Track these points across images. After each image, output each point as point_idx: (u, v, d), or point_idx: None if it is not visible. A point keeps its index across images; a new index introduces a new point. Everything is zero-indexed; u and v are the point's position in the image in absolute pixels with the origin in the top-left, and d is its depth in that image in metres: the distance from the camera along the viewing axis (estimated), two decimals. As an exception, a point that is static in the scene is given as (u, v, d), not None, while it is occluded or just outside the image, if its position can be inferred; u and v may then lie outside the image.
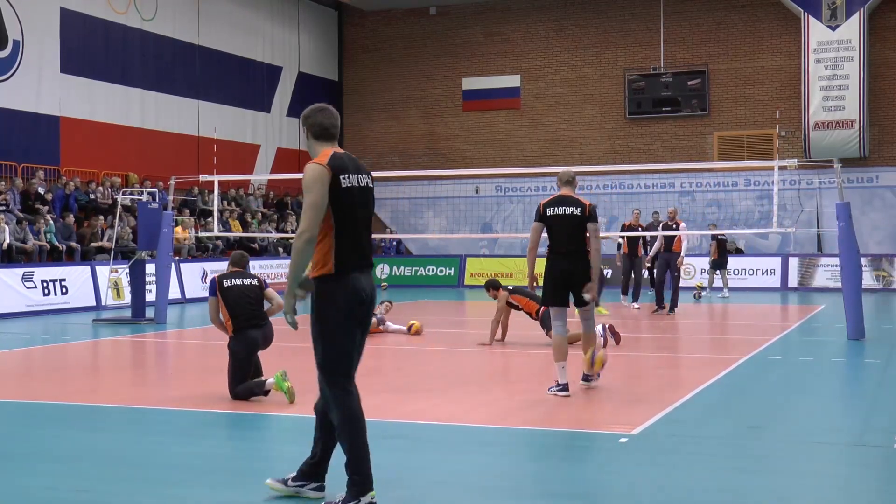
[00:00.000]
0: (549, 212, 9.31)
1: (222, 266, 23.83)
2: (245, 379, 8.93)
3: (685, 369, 11.66)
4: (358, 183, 5.41)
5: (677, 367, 11.84)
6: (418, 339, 14.46)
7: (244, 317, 8.92)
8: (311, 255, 5.30)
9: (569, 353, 9.28)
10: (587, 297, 9.17)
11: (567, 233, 9.19)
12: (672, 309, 18.30)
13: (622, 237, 19.64)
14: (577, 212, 9.20)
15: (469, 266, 29.93)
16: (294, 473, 5.62)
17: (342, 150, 5.50)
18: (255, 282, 9.16)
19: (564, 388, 9.08)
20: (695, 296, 23.23)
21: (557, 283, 9.25)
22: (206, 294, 24.16)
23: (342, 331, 5.31)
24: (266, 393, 8.78)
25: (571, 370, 9.39)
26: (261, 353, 9.18)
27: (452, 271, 29.91)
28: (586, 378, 9.57)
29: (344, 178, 5.33)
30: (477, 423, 7.95)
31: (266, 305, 9.17)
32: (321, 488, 5.59)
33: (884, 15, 29.09)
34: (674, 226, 18.49)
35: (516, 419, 8.14)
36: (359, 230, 5.40)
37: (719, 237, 23.35)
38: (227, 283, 9.03)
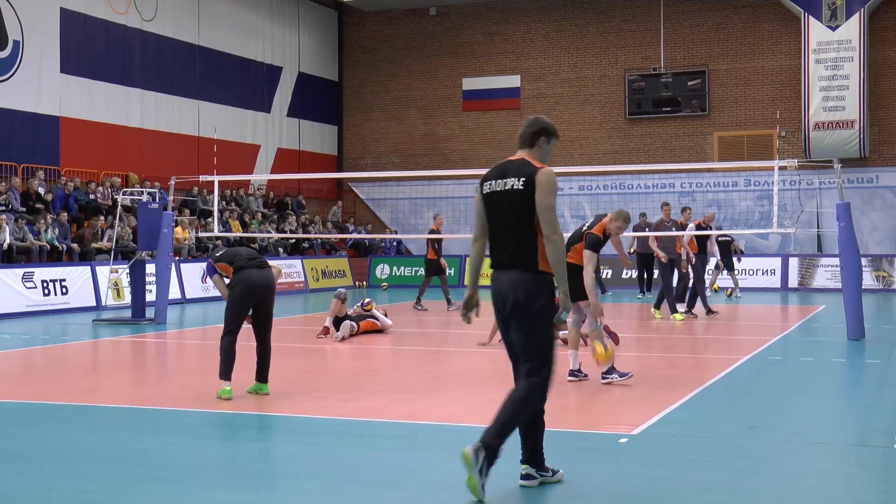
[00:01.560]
0: None
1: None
2: (238, 322, 8.85)
3: (685, 369, 11.65)
4: (504, 187, 5.76)
5: (677, 367, 11.83)
6: (418, 339, 14.44)
7: (244, 262, 8.96)
8: (478, 253, 6.08)
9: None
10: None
11: (570, 243, 10.12)
12: (660, 308, 17.90)
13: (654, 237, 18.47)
14: (583, 229, 10.26)
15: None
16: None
17: (517, 157, 5.85)
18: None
19: (572, 373, 9.91)
20: (727, 294, 23.59)
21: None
22: (207, 294, 23.97)
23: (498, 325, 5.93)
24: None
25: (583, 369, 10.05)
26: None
27: (453, 271, 29.82)
28: (609, 372, 9.81)
29: (486, 185, 5.87)
30: (477, 423, 7.92)
31: None
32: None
33: (884, 15, 29.09)
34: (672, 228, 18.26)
35: (516, 419, 8.13)
36: (497, 231, 5.88)
37: (718, 238, 23.16)
38: (218, 253, 9.27)
